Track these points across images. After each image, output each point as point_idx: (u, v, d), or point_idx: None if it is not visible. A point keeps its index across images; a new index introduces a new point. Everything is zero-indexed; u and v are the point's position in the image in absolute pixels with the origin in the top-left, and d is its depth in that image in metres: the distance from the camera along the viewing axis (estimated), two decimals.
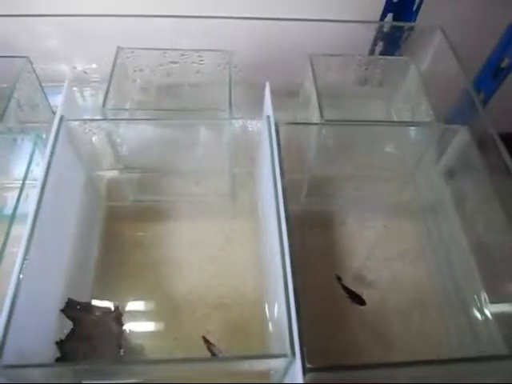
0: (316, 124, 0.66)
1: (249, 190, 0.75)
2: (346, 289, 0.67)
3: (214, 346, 0.61)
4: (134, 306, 0.66)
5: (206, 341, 0.61)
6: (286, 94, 0.80)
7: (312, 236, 0.74)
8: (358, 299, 0.66)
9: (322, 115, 0.65)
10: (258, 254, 0.70)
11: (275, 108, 0.63)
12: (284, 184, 0.55)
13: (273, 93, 0.64)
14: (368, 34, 0.88)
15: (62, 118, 0.60)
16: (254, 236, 0.72)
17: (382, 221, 0.77)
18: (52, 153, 0.57)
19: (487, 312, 0.63)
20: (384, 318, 0.67)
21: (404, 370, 0.48)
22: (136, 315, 0.66)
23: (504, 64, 0.78)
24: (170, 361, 0.48)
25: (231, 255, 0.72)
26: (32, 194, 0.54)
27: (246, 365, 0.49)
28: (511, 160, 0.59)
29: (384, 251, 0.74)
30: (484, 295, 0.64)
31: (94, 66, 0.86)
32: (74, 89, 0.86)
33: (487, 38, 0.84)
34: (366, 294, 0.69)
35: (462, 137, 0.66)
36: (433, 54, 0.79)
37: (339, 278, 0.68)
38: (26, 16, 0.76)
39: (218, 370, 0.51)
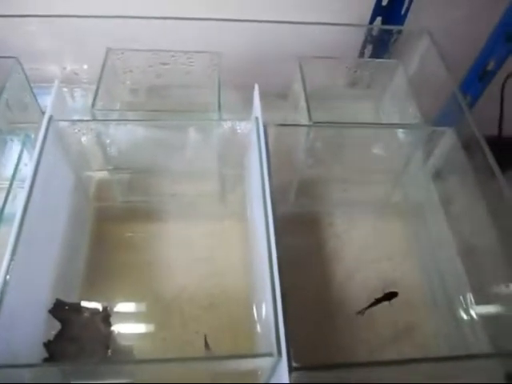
0: (304, 126, 0.67)
1: (238, 192, 0.75)
2: (379, 300, 0.67)
3: (210, 349, 0.61)
4: (122, 306, 0.66)
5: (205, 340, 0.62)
6: (277, 96, 0.81)
7: (301, 237, 0.75)
8: (390, 296, 0.67)
9: (310, 117, 0.66)
10: (247, 254, 0.70)
11: (266, 110, 0.63)
12: (272, 186, 0.55)
13: (264, 94, 0.64)
14: (357, 37, 0.89)
15: (50, 118, 0.60)
16: (244, 237, 0.73)
17: (370, 222, 0.78)
18: (40, 153, 0.57)
19: (473, 313, 0.64)
20: (371, 318, 0.67)
21: (390, 368, 0.49)
22: (125, 316, 0.66)
23: (490, 67, 0.79)
24: (157, 361, 0.48)
25: (220, 256, 0.72)
26: (20, 195, 0.54)
27: (233, 364, 0.49)
28: (495, 162, 0.60)
29: (372, 252, 0.75)
30: (470, 296, 0.65)
31: (85, 66, 0.86)
32: (65, 89, 0.86)
33: (474, 41, 0.85)
34: (354, 295, 0.69)
35: (448, 139, 0.67)
36: (420, 57, 0.80)
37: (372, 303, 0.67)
38: (15, 16, 0.76)
39: (205, 369, 0.51)
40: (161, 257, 0.71)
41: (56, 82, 0.64)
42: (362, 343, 0.65)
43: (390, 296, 0.67)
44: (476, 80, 0.83)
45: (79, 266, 0.69)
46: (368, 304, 0.67)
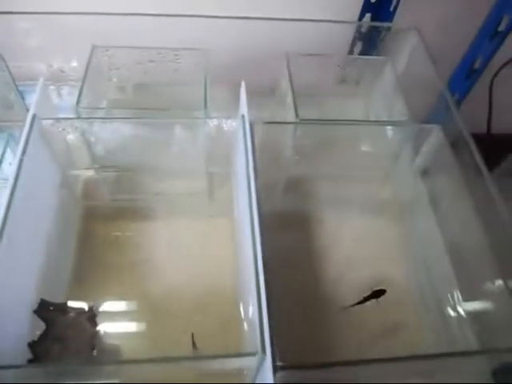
0: (291, 123, 0.66)
1: (226, 190, 0.75)
2: (368, 298, 0.68)
3: (197, 348, 0.61)
4: (110, 306, 0.66)
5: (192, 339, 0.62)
6: (266, 93, 0.81)
7: (290, 235, 0.75)
8: (378, 294, 0.67)
9: (297, 114, 0.65)
10: (235, 253, 0.70)
11: (254, 107, 0.63)
12: (258, 184, 0.55)
13: (252, 92, 0.64)
14: (347, 33, 0.89)
15: (34, 117, 0.59)
16: (232, 235, 0.72)
17: (359, 219, 0.78)
18: (24, 151, 0.56)
19: (461, 310, 0.64)
20: (361, 316, 0.67)
21: (376, 366, 0.49)
22: (112, 315, 0.65)
23: (477, 65, 0.79)
24: (141, 361, 0.48)
25: (209, 254, 0.72)
26: (2, 193, 0.53)
27: (218, 364, 0.48)
28: (482, 159, 0.60)
29: (361, 250, 0.75)
30: (458, 293, 0.65)
31: (73, 64, 0.85)
32: (52, 87, 0.85)
33: (463, 37, 0.84)
34: (343, 293, 0.69)
35: (435, 136, 0.67)
36: (409, 54, 0.80)
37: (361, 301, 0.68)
38: (1, 13, 0.75)
39: (191, 369, 0.51)
40: (148, 255, 0.71)
41: (41, 80, 0.63)
42: (351, 341, 0.65)
43: (378, 294, 0.67)
44: (463, 78, 0.83)
45: (66, 266, 0.68)
46: (356, 301, 0.67)
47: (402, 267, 0.73)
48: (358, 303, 0.67)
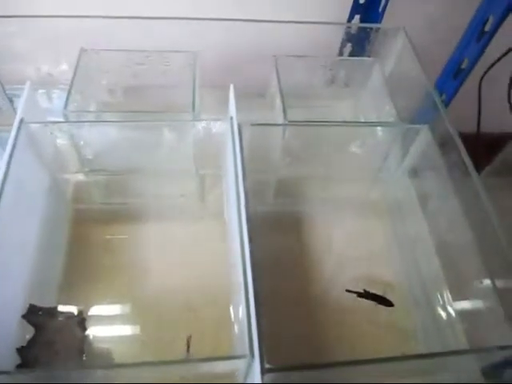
0: (279, 125, 0.66)
1: (217, 191, 0.75)
2: (372, 296, 0.68)
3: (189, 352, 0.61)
4: (101, 310, 0.65)
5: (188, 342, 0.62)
6: (257, 95, 0.81)
7: (281, 237, 0.75)
8: (384, 301, 0.68)
9: (285, 116, 0.66)
10: (226, 255, 0.70)
11: (245, 109, 0.63)
12: (246, 186, 0.55)
13: (244, 93, 0.64)
14: (336, 35, 0.89)
15: (21, 120, 0.59)
16: (223, 238, 0.72)
17: (349, 220, 0.78)
18: (11, 155, 0.56)
19: (450, 309, 0.65)
20: (352, 316, 0.67)
21: (365, 367, 0.49)
22: (104, 319, 0.65)
23: (464, 65, 0.80)
24: (131, 365, 0.48)
25: (200, 257, 0.71)
26: None
27: (208, 366, 0.48)
28: (469, 159, 0.60)
29: (352, 251, 0.75)
30: (447, 293, 0.65)
31: (64, 67, 0.85)
32: (41, 91, 0.85)
33: (452, 37, 0.85)
34: (334, 294, 0.69)
35: (423, 136, 0.67)
36: (397, 55, 0.80)
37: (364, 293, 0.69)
38: None
39: (181, 372, 0.51)
40: (140, 259, 0.71)
41: (27, 84, 0.63)
42: (342, 342, 0.65)
43: (385, 302, 0.68)
44: (451, 78, 0.83)
45: (57, 270, 0.68)
46: (362, 292, 0.68)
47: (392, 267, 0.73)
48: (361, 296, 0.68)
